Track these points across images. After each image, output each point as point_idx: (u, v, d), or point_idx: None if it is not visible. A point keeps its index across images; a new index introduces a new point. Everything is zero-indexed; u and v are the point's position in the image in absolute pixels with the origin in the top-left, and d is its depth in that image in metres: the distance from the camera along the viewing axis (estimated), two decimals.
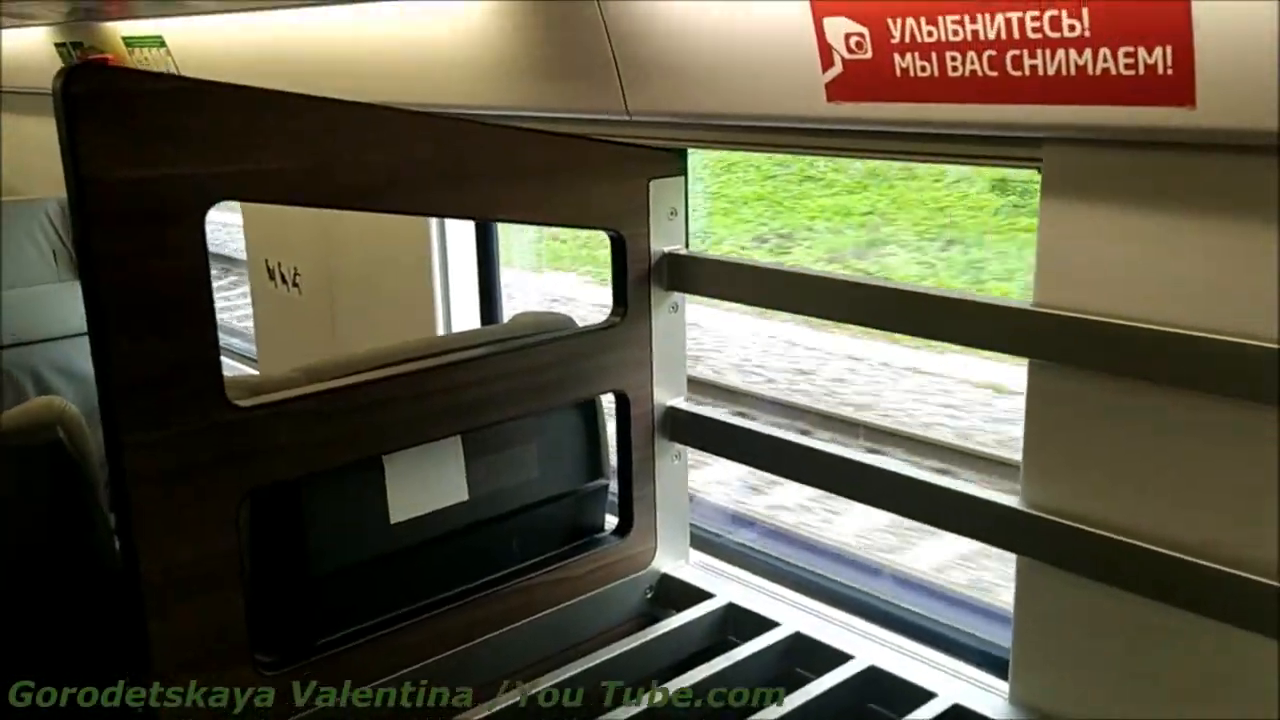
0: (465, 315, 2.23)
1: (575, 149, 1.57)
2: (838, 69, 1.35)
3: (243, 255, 2.96)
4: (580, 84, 1.73)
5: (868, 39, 1.30)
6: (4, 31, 3.21)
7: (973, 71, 1.22)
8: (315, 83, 2.23)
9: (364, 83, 2.11)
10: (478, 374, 1.51)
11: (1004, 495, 1.38)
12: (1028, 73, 1.18)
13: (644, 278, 1.68)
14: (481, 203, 1.49)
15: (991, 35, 1.18)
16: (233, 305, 8.21)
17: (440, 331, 2.21)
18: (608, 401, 1.73)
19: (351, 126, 1.32)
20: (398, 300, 2.30)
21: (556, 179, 1.54)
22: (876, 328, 1.55)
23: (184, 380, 1.20)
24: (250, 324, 3.09)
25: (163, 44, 2.57)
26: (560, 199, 1.55)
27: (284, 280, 2.67)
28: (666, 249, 1.69)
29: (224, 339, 3.43)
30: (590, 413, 1.72)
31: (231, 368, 3.34)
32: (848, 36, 1.32)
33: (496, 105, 1.90)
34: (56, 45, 2.97)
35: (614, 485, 1.78)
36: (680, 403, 1.75)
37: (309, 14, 2.12)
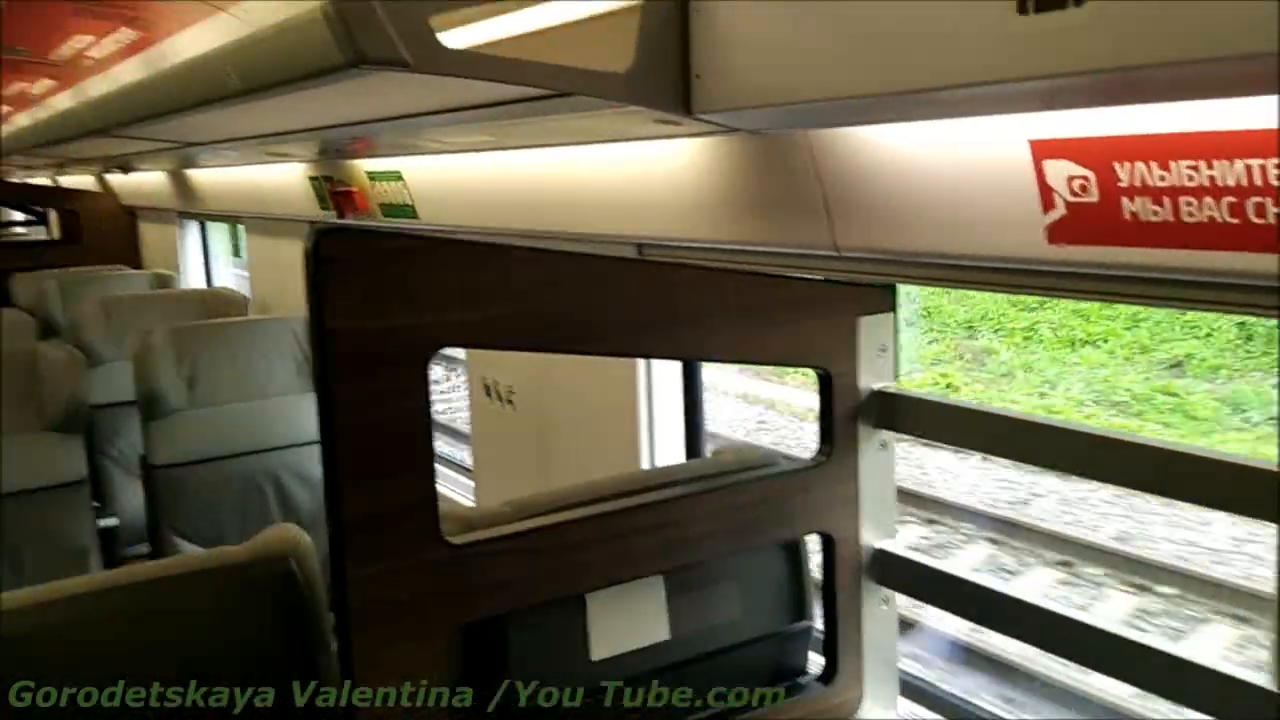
0: (669, 443, 2.25)
1: (784, 287, 1.57)
2: (1060, 211, 1.30)
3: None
4: (788, 219, 1.74)
5: (1093, 182, 1.25)
6: (267, 166, 3.57)
7: (1210, 218, 1.15)
8: (535, 214, 2.35)
9: (579, 214, 2.21)
10: (681, 513, 1.51)
11: None
12: (1272, 220, 1.10)
13: (851, 415, 1.65)
14: (690, 344, 1.51)
15: (1231, 182, 1.11)
16: (453, 405, 8.61)
17: (644, 458, 2.24)
18: (812, 540, 1.69)
19: (567, 275, 1.37)
20: (604, 421, 2.35)
21: (764, 318, 1.54)
22: (1109, 482, 1.45)
23: (403, 518, 1.26)
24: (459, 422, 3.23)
25: (400, 178, 2.79)
26: (768, 338, 1.55)
27: (499, 397, 2.78)
28: (875, 386, 1.65)
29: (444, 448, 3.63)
30: (794, 552, 1.68)
31: (446, 477, 3.50)
32: (1070, 179, 1.27)
33: (704, 239, 1.93)
34: (310, 178, 3.27)
35: (819, 625, 1.73)
36: (890, 545, 1.69)
37: (530, 153, 2.25)
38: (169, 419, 3.09)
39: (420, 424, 1.26)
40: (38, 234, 7.52)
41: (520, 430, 2.71)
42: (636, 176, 2.01)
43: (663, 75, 1.44)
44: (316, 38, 1.26)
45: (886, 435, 1.67)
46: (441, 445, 6.07)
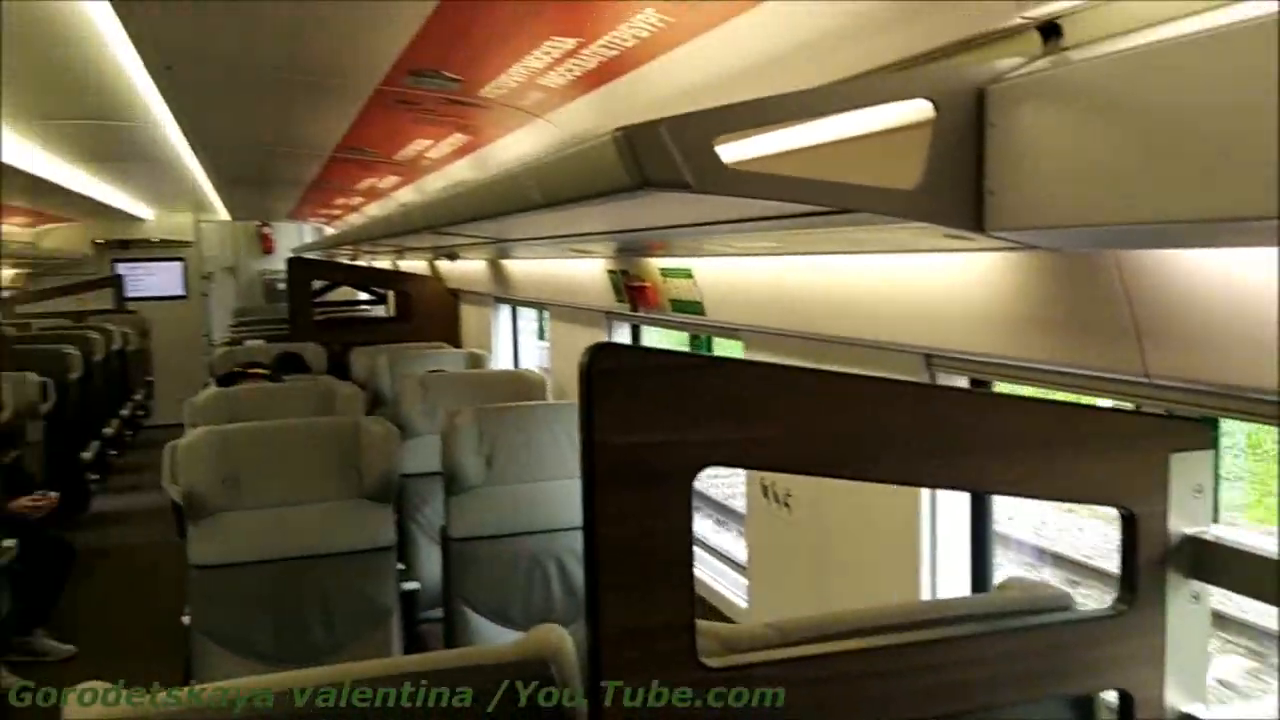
0: (952, 572, 2.12)
1: (1085, 417, 1.44)
2: None
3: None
4: (1090, 341, 1.61)
5: None
6: (571, 261, 3.78)
7: None
8: (820, 318, 2.32)
9: (864, 320, 2.15)
10: (961, 654, 1.41)
11: None
12: None
13: (1159, 561, 1.47)
14: (976, 476, 1.42)
15: None
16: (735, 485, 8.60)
17: (925, 586, 2.12)
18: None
19: (842, 397, 1.33)
20: (883, 539, 2.25)
21: (1062, 449, 1.42)
22: None
23: (660, 635, 1.26)
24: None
25: (690, 275, 2.85)
26: (1065, 471, 1.42)
27: (776, 499, 2.74)
28: (1188, 530, 1.47)
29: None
30: (1085, 709, 1.51)
31: (716, 569, 3.48)
32: None
33: (998, 355, 1.82)
34: (609, 271, 3.42)
35: None
36: (1200, 710, 1.48)
37: (816, 258, 2.23)
38: (468, 494, 3.29)
39: (681, 542, 1.26)
40: (378, 312, 8.38)
41: (795, 535, 2.66)
42: (925, 286, 1.94)
43: (954, 192, 1.38)
44: (607, 161, 1.32)
45: (1199, 586, 1.48)
46: (709, 531, 6.07)
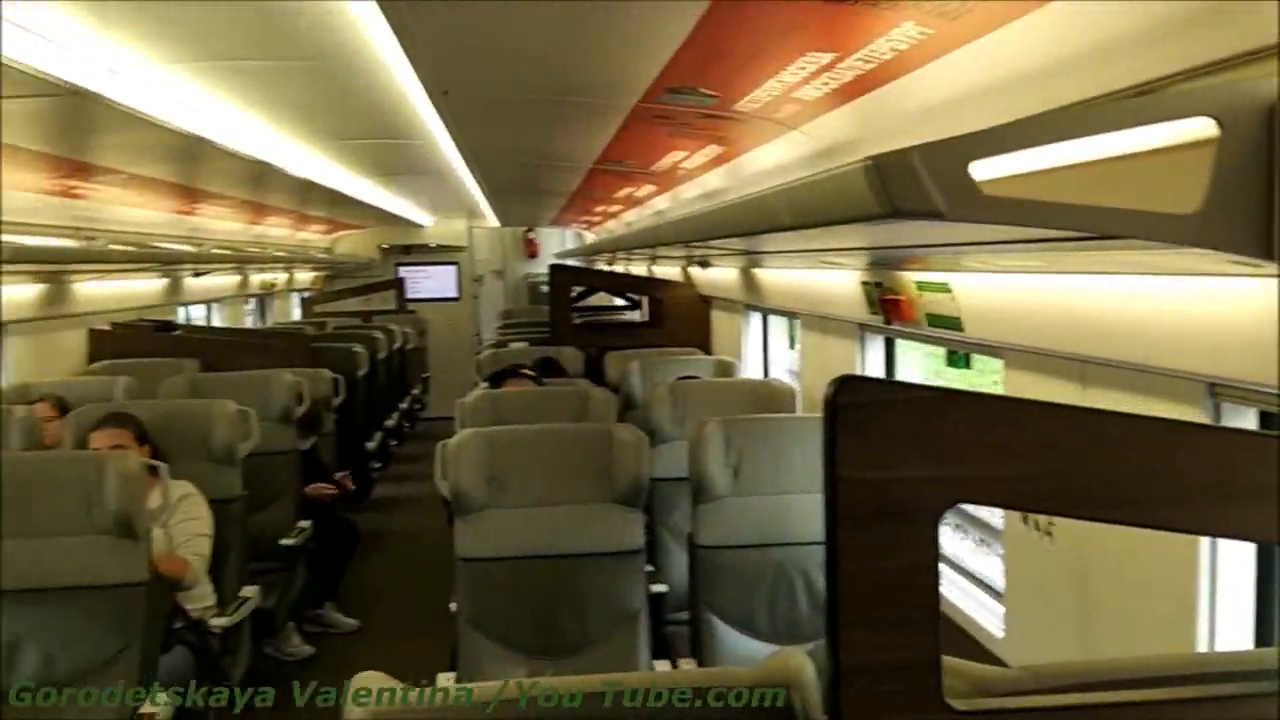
0: (1233, 623, 1.93)
1: None
2: None
3: None
4: None
5: None
6: (823, 272, 3.75)
7: None
8: (1088, 340, 2.19)
9: (1137, 343, 2.01)
10: (1241, 714, 1.29)
11: None
12: None
13: None
14: (1262, 525, 1.29)
15: None
16: None
17: (1201, 636, 1.95)
18: None
19: (1107, 437, 1.25)
20: (1154, 580, 2.09)
21: None
22: None
23: (903, 675, 1.23)
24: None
25: (948, 290, 2.76)
26: None
27: (1037, 526, 2.60)
28: None
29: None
30: None
31: (971, 594, 3.34)
32: None
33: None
34: (862, 283, 3.37)
35: None
36: None
37: (1083, 278, 2.11)
38: (715, 503, 3.33)
39: (927, 580, 1.22)
40: (632, 317, 8.63)
41: (1057, 567, 2.51)
42: (1207, 310, 1.79)
43: (1241, 217, 1.27)
44: (857, 188, 1.31)
45: None
46: (966, 552, 5.81)
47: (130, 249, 5.56)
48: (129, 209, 5.62)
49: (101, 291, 6.28)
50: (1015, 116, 1.44)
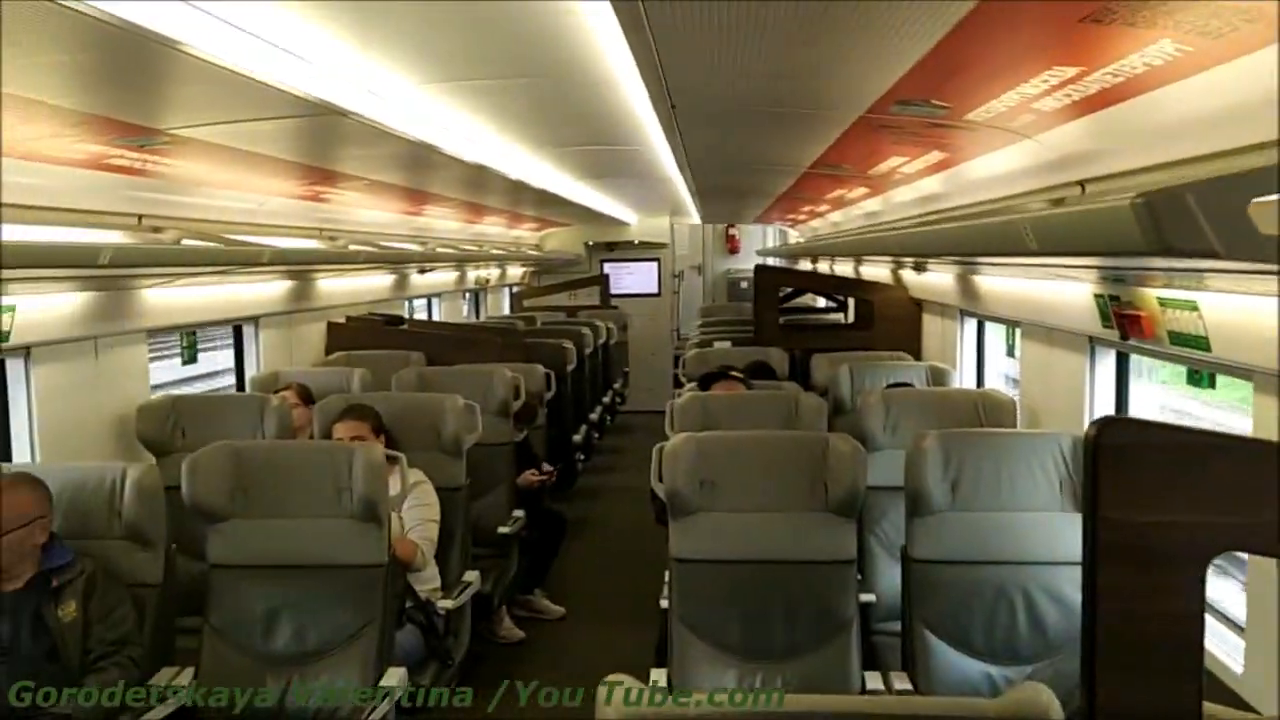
0: None
1: None
2: None
3: None
4: None
5: None
6: (1050, 281, 3.62)
7: None
8: None
9: None
10: None
11: None
12: None
13: None
14: None
15: None
16: None
17: None
18: None
19: None
20: None
21: None
22: None
23: None
24: None
25: (1195, 308, 2.62)
26: None
27: None
28: None
29: None
30: None
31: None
32: None
33: None
34: (1095, 296, 3.24)
35: None
36: None
37: None
38: (932, 517, 3.29)
39: (1191, 629, 1.19)
40: (837, 318, 8.55)
41: None
42: None
43: None
44: (1123, 223, 1.28)
45: None
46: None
47: (367, 249, 5.96)
48: (365, 211, 6.03)
49: (339, 287, 6.76)
50: (1269, 139, 1.37)
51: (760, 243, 13.64)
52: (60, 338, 4.00)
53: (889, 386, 4.70)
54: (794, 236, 11.34)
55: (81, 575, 2.96)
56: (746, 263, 12.84)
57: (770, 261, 10.27)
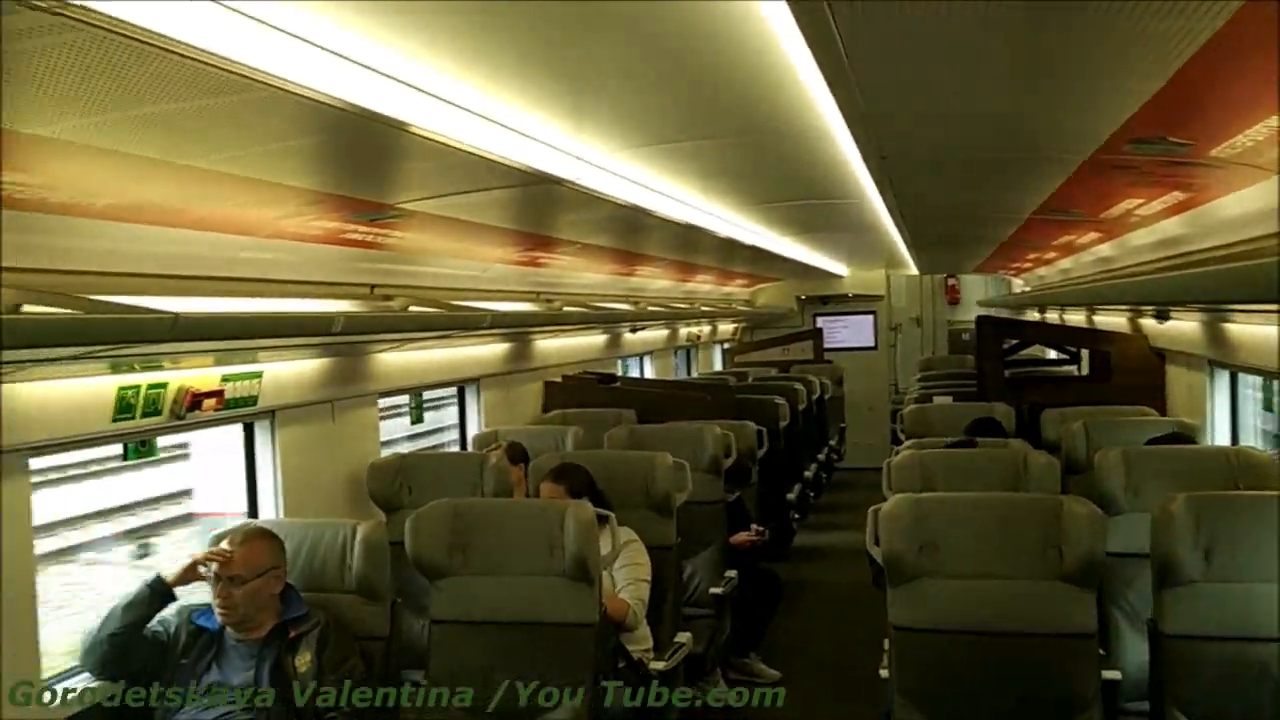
0: None
1: None
2: None
3: None
4: None
5: None
6: None
7: None
8: None
9: None
10: None
11: None
12: None
13: None
14: None
15: None
16: None
17: None
18: None
19: None
20: None
21: None
22: None
23: None
24: None
25: None
26: None
27: None
28: None
29: None
30: None
31: None
32: None
33: None
34: None
35: None
36: None
37: None
38: (1183, 588, 2.99)
39: None
40: (1069, 370, 8.05)
41: None
42: None
43: None
44: None
45: None
46: None
47: (581, 310, 6.11)
48: (579, 273, 6.20)
49: (554, 347, 6.96)
50: None
51: (982, 292, 13.11)
52: (301, 401, 4.28)
53: (1150, 442, 4.34)
54: (1018, 285, 10.82)
55: (316, 627, 3.11)
56: (967, 314, 12.36)
57: (993, 312, 9.82)
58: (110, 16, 1.31)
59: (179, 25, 1.45)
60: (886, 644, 3.28)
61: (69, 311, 2.30)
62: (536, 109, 2.65)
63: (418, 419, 6.08)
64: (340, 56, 1.92)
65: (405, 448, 7.49)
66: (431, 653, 3.43)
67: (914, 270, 11.52)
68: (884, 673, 3.30)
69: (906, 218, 5.30)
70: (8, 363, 2.44)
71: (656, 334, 9.42)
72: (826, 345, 11.95)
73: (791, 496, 7.94)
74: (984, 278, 12.76)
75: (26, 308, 2.31)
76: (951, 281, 13.34)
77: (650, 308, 7.76)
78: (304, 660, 3.06)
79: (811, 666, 5.72)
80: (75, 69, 1.50)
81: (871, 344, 12.14)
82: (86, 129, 1.86)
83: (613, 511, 3.87)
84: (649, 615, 4.21)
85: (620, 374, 8.62)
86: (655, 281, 7.87)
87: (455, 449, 6.29)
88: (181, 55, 1.51)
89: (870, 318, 12.12)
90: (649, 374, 9.81)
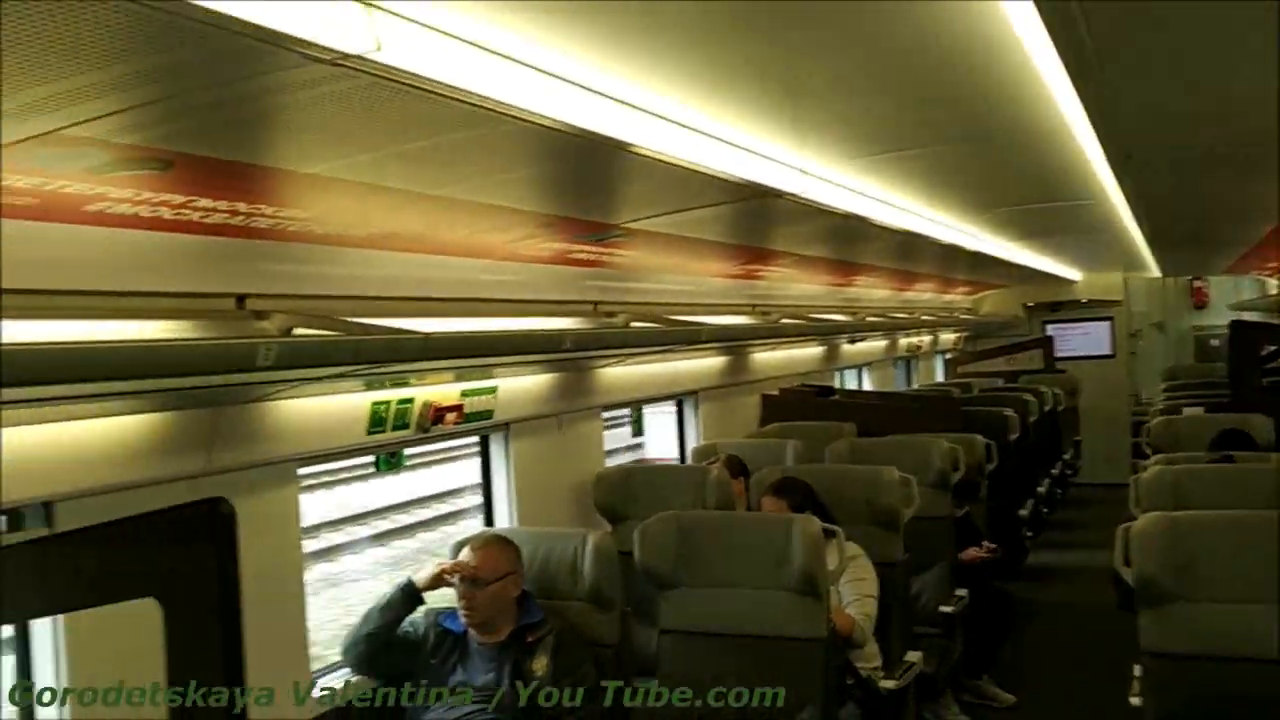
0: None
1: None
2: None
3: None
4: None
5: None
6: None
7: None
8: None
9: None
10: None
11: None
12: None
13: None
14: None
15: None
16: None
17: None
18: None
19: None
20: None
21: None
22: None
23: None
24: None
25: None
26: None
27: None
28: None
29: None
30: None
31: None
32: None
33: None
34: None
35: None
36: None
37: None
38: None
39: None
40: None
41: None
42: None
43: None
44: None
45: None
46: None
47: (797, 322, 6.07)
48: (795, 284, 6.17)
49: (771, 359, 6.95)
50: None
51: (1233, 295, 12.10)
52: (532, 414, 4.46)
53: None
54: (1274, 287, 9.94)
55: (551, 633, 3.23)
56: (1215, 318, 11.45)
57: (1248, 315, 9.05)
58: (384, 65, 1.43)
59: (439, 67, 1.56)
60: (1137, 670, 3.08)
61: (333, 333, 2.50)
62: (756, 122, 2.67)
63: (638, 431, 6.20)
64: (568, 82, 2.00)
65: (625, 458, 7.66)
66: (661, 662, 3.49)
67: (1155, 272, 10.77)
68: (1135, 701, 3.10)
69: (1150, 218, 4.98)
70: (282, 381, 2.67)
71: (875, 345, 9.22)
72: (1057, 354, 11.31)
73: (1024, 513, 7.56)
74: (1234, 279, 11.78)
75: (297, 331, 2.54)
76: (1198, 284, 12.39)
77: (868, 318, 7.61)
78: (540, 664, 3.18)
79: (1050, 691, 5.43)
80: (350, 113, 1.64)
81: (1108, 352, 11.39)
82: (353, 167, 2.02)
83: (839, 527, 3.82)
84: (876, 632, 4.12)
85: (837, 386, 8.49)
86: (873, 291, 7.72)
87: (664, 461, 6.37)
88: (439, 95, 1.62)
89: (1106, 324, 11.37)
90: (867, 386, 9.62)
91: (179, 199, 2.00)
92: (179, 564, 1.36)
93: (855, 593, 4.05)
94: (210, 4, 1.23)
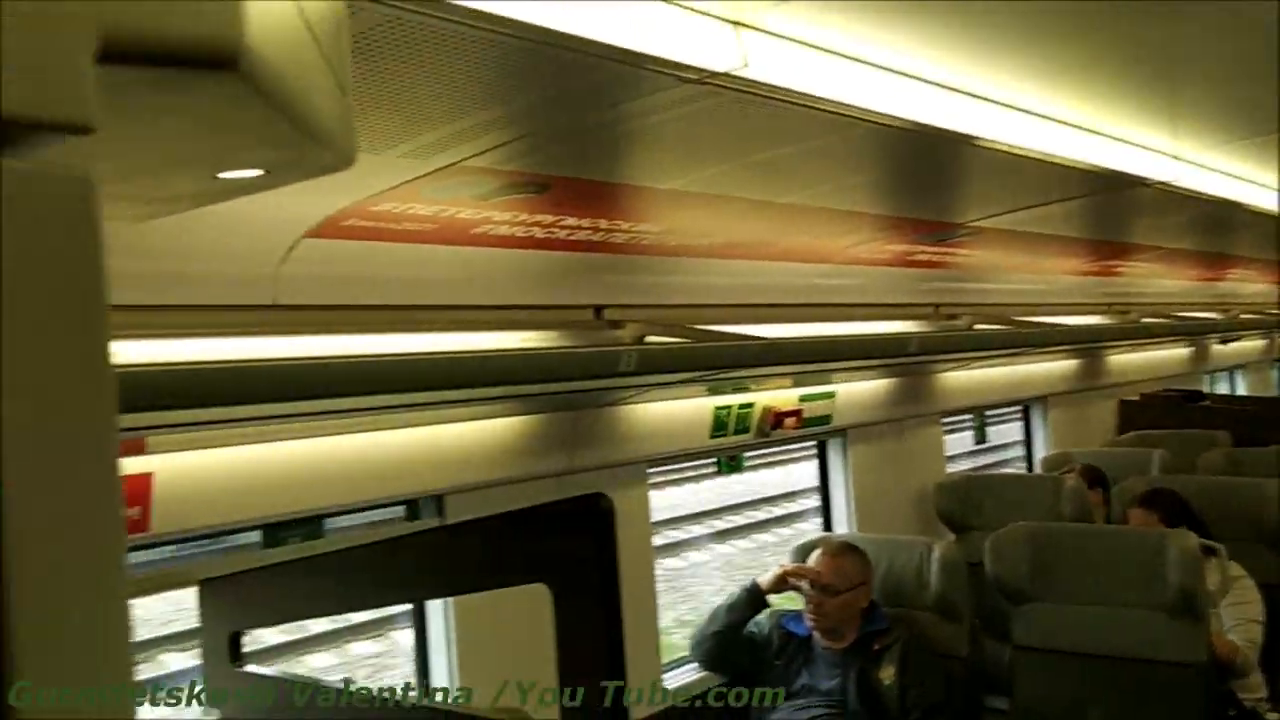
0: None
1: None
2: None
3: None
4: None
5: None
6: None
7: None
8: None
9: None
10: None
11: None
12: None
13: None
14: None
15: None
16: None
17: None
18: None
19: None
20: None
21: None
22: None
23: None
24: None
25: None
26: None
27: None
28: None
29: None
30: None
31: None
32: None
33: None
34: None
35: None
36: None
37: None
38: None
39: None
40: None
41: None
42: None
43: None
44: None
45: None
46: None
47: (1161, 321, 5.58)
48: (1158, 280, 5.68)
49: (1130, 362, 6.42)
50: None
51: None
52: (870, 420, 4.41)
53: None
54: None
55: (898, 641, 3.17)
56: None
57: None
58: (749, 79, 1.49)
59: (800, 77, 1.59)
60: None
61: (683, 340, 2.61)
62: (1123, 108, 2.49)
63: (981, 439, 5.95)
64: (912, 77, 1.97)
65: (965, 464, 7.38)
66: (1015, 680, 3.33)
67: None
68: None
69: None
70: (636, 386, 2.83)
71: (1250, 345, 8.28)
72: None
73: None
74: None
75: (649, 338, 2.68)
76: None
77: (1243, 315, 6.85)
78: (888, 674, 3.14)
79: None
80: (710, 128, 1.71)
81: None
82: (705, 179, 2.11)
83: (1221, 544, 3.48)
84: (1263, 661, 3.70)
85: (1207, 390, 7.70)
86: (1247, 285, 6.94)
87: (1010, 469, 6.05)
88: (799, 105, 1.66)
89: None
90: (1240, 390, 8.65)
91: (549, 218, 2.17)
92: (566, 553, 1.48)
93: (1237, 616, 3.66)
94: (591, 34, 1.33)
